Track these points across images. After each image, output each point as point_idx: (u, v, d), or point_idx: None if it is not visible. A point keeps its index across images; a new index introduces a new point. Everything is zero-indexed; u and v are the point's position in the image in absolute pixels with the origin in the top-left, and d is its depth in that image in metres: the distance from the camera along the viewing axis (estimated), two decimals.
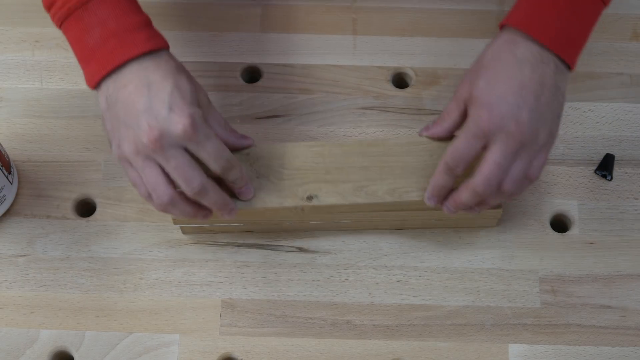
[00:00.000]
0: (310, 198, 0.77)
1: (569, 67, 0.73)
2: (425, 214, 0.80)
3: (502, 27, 0.74)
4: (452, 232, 0.84)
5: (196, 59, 0.92)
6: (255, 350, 0.79)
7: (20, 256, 0.83)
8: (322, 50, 0.93)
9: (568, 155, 0.87)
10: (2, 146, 0.83)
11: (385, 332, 0.80)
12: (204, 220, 0.76)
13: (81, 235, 0.84)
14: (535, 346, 0.79)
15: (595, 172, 0.87)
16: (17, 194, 0.85)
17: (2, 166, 0.81)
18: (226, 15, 0.95)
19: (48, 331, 0.80)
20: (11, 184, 0.83)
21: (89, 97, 0.88)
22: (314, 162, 0.79)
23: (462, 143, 0.71)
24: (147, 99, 0.69)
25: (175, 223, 0.81)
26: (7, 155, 0.83)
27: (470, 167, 0.72)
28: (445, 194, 0.75)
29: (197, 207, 0.73)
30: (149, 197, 0.72)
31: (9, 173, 0.83)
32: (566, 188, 0.86)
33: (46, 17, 0.93)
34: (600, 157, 0.87)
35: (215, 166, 0.71)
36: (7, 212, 0.84)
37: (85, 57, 0.72)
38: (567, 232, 0.84)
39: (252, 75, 0.92)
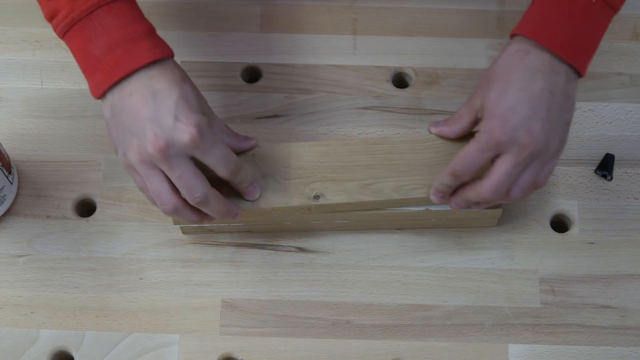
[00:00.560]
0: (317, 197, 0.77)
1: (580, 73, 0.73)
2: (425, 214, 0.80)
3: (512, 36, 0.75)
4: (452, 232, 0.84)
5: (196, 59, 0.92)
6: (255, 350, 0.79)
7: (20, 256, 0.83)
8: (322, 50, 0.93)
9: (568, 155, 0.87)
10: (2, 146, 0.83)
11: (385, 332, 0.80)
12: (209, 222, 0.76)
13: (81, 235, 0.84)
14: (535, 346, 0.79)
15: (595, 172, 0.87)
16: (17, 194, 0.85)
17: (2, 166, 0.81)
18: (226, 15, 0.95)
19: (48, 331, 0.80)
20: (11, 184, 0.83)
21: (89, 97, 0.87)
22: (319, 162, 0.79)
23: (473, 153, 0.72)
24: (153, 107, 0.69)
25: (175, 223, 0.81)
26: (7, 155, 0.83)
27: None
28: (450, 192, 0.76)
29: (201, 214, 0.74)
30: (155, 203, 0.73)
31: (9, 173, 0.83)
32: (566, 188, 0.86)
33: None
34: (600, 157, 0.87)
35: (223, 172, 0.72)
36: (7, 212, 0.84)
37: (89, 67, 0.72)
38: (567, 232, 0.84)
39: (252, 75, 0.92)
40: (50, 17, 0.73)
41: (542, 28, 0.72)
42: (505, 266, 0.83)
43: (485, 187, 0.72)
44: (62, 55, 0.92)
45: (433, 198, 0.77)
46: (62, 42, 0.91)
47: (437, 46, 0.93)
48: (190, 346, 0.79)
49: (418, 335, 0.80)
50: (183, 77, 0.72)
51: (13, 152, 0.86)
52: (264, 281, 0.82)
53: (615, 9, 0.74)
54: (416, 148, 0.79)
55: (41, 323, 0.80)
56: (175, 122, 0.68)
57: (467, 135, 0.78)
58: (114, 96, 0.71)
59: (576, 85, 0.74)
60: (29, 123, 0.89)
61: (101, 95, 0.72)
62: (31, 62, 0.92)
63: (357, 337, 0.80)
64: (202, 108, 0.72)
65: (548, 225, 0.84)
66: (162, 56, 0.72)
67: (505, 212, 0.84)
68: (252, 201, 0.77)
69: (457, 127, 0.77)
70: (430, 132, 0.80)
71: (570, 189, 0.86)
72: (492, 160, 0.72)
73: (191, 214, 0.73)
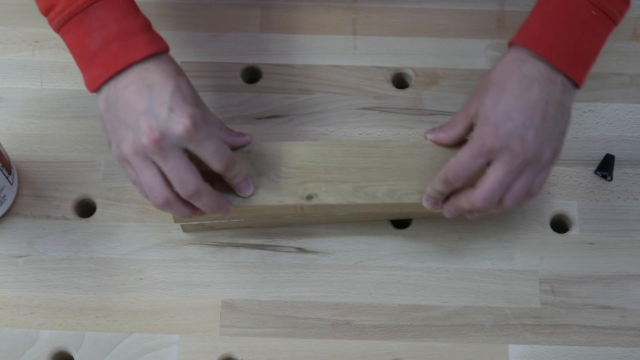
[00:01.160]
0: (309, 197, 0.77)
1: (577, 85, 0.73)
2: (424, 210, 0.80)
3: (510, 45, 0.74)
4: (452, 233, 0.84)
5: (196, 59, 0.92)
6: (255, 351, 0.79)
7: (20, 256, 0.83)
8: (322, 50, 0.93)
9: (568, 156, 0.87)
10: (2, 146, 0.83)
11: (385, 332, 0.80)
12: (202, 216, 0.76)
13: (81, 235, 0.84)
14: (535, 346, 0.79)
15: (595, 172, 0.87)
16: (17, 195, 0.85)
17: (2, 166, 0.81)
18: (226, 15, 0.95)
19: (48, 331, 0.80)
20: (11, 184, 0.83)
21: (89, 97, 0.88)
22: (315, 161, 0.79)
23: (465, 158, 0.72)
24: (148, 100, 0.69)
25: (175, 221, 0.81)
26: (7, 155, 0.83)
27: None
28: (443, 199, 0.76)
29: (193, 208, 0.74)
30: (147, 196, 0.73)
31: (9, 173, 0.83)
32: (566, 188, 0.86)
33: None
34: (600, 157, 0.87)
35: (216, 164, 0.72)
36: (7, 213, 0.84)
37: (86, 60, 0.72)
38: (567, 233, 0.84)
39: (252, 75, 0.92)
40: (46, 11, 0.73)
41: (540, 38, 0.72)
42: (505, 266, 0.83)
43: (478, 195, 0.72)
44: (62, 55, 0.92)
45: (425, 204, 0.76)
46: (62, 43, 0.92)
47: (437, 46, 0.93)
48: (190, 346, 0.79)
49: (418, 336, 0.80)
50: (178, 71, 0.72)
51: (13, 152, 0.86)
52: (264, 281, 0.82)
53: (615, 22, 0.73)
54: (412, 153, 0.79)
55: (41, 323, 0.80)
56: (169, 114, 0.69)
57: (463, 142, 0.78)
58: (109, 89, 0.71)
59: (573, 97, 0.73)
60: (29, 123, 0.89)
61: (97, 88, 0.72)
62: (31, 63, 0.92)
63: (357, 338, 0.80)
64: (196, 101, 0.72)
65: (548, 225, 0.84)
66: (158, 50, 0.72)
67: (505, 212, 0.84)
68: (245, 198, 0.77)
69: (452, 132, 0.77)
70: (426, 139, 0.80)
71: (570, 189, 0.86)
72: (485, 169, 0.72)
73: (183, 208, 0.73)
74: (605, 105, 0.90)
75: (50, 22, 0.73)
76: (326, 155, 0.79)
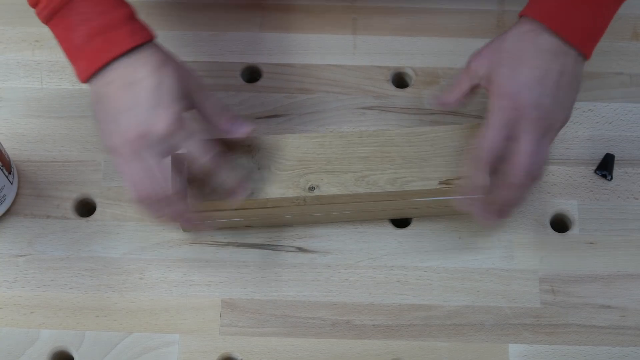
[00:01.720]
0: (312, 189, 0.77)
1: (585, 57, 0.75)
2: (425, 204, 0.80)
3: (521, 16, 0.75)
4: (452, 232, 0.84)
5: (196, 59, 0.92)
6: (255, 350, 0.79)
7: (20, 256, 0.83)
8: (322, 50, 0.93)
9: (568, 155, 0.87)
10: (2, 146, 0.83)
11: (385, 332, 0.80)
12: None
13: (81, 235, 0.84)
14: (535, 346, 0.79)
15: (595, 172, 0.87)
16: (17, 194, 0.85)
17: (2, 166, 0.81)
18: (226, 15, 0.95)
19: (48, 331, 0.80)
20: (11, 184, 0.83)
21: (89, 97, 0.88)
22: (315, 153, 0.79)
23: (492, 133, 0.72)
24: (129, 97, 0.70)
25: None
26: (7, 155, 0.83)
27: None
28: (484, 193, 0.75)
29: (162, 211, 0.75)
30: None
31: (9, 173, 0.83)
32: (566, 188, 0.86)
33: None
34: (600, 157, 0.87)
35: (198, 165, 0.72)
36: (7, 212, 0.84)
37: (73, 54, 0.73)
38: (567, 232, 0.84)
39: (252, 75, 0.92)
40: (33, 4, 0.73)
41: (555, 14, 0.73)
42: (505, 266, 0.83)
43: (517, 173, 0.72)
44: (62, 55, 0.91)
45: (472, 211, 0.76)
46: None
47: (437, 46, 0.93)
48: (190, 346, 0.79)
49: (418, 335, 0.80)
50: (163, 62, 0.72)
51: (13, 152, 0.86)
52: (264, 281, 0.82)
53: None
54: (411, 140, 0.79)
55: (41, 323, 0.80)
56: (150, 111, 0.69)
57: (464, 129, 0.79)
58: (97, 82, 0.72)
59: (582, 67, 0.75)
60: (29, 123, 0.89)
61: (86, 81, 0.73)
62: (31, 62, 0.92)
63: (357, 337, 0.80)
64: (184, 92, 0.72)
65: (548, 225, 0.84)
66: (141, 41, 0.72)
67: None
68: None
69: (457, 92, 0.77)
70: (430, 106, 0.80)
71: (570, 189, 0.86)
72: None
73: (154, 209, 0.74)
74: (605, 105, 0.90)
75: (38, 15, 0.73)
76: (326, 146, 0.79)
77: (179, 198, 0.74)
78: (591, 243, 0.84)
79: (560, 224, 0.85)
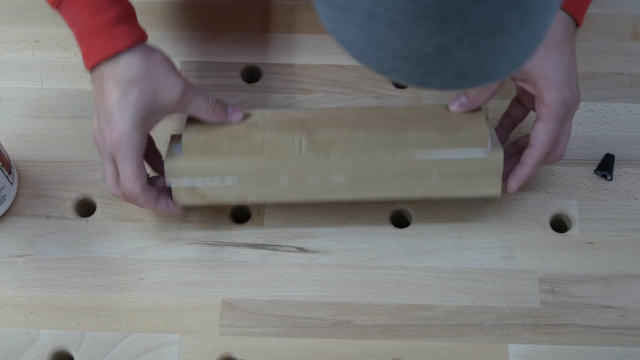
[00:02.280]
0: (309, 134, 0.77)
1: (578, 23, 0.78)
2: (426, 167, 0.77)
3: None
4: (452, 232, 0.84)
5: (196, 59, 0.92)
6: (255, 350, 0.79)
7: (20, 256, 0.83)
8: (322, 50, 0.93)
9: (568, 155, 0.87)
10: (2, 146, 0.83)
11: (385, 332, 0.80)
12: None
13: (81, 235, 0.84)
14: (535, 346, 0.79)
15: (595, 172, 0.87)
16: (17, 194, 0.85)
17: (2, 166, 0.81)
18: (226, 15, 0.95)
19: (48, 331, 0.80)
20: (11, 184, 0.83)
21: (89, 97, 0.88)
22: (313, 113, 0.81)
23: (555, 129, 0.76)
24: (98, 104, 0.74)
25: (167, 184, 0.79)
26: (7, 155, 0.83)
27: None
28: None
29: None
30: None
31: (9, 173, 0.83)
32: (566, 188, 0.86)
33: (46, 17, 0.94)
34: (600, 157, 0.87)
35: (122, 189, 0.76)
36: (7, 212, 0.84)
37: (79, 42, 0.76)
38: (567, 232, 0.84)
39: (252, 75, 0.92)
40: None
41: None
42: (505, 266, 0.83)
43: (559, 153, 0.78)
44: (62, 55, 0.92)
45: (512, 190, 0.80)
46: (62, 42, 0.92)
47: None
48: (190, 346, 0.79)
49: (418, 335, 0.80)
50: (130, 79, 0.73)
51: (13, 152, 0.86)
52: (264, 281, 0.82)
53: None
54: (410, 109, 0.83)
55: (41, 323, 0.80)
56: (101, 125, 0.74)
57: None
58: (93, 74, 0.76)
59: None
60: (29, 123, 0.89)
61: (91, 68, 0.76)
62: (31, 62, 0.92)
63: (357, 337, 0.80)
64: (144, 110, 0.74)
65: (548, 225, 0.84)
66: (114, 52, 0.73)
67: (505, 212, 0.84)
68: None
69: (488, 92, 0.77)
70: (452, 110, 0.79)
71: (570, 189, 0.86)
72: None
73: (126, 200, 0.78)
74: (605, 105, 0.90)
75: (47, 2, 0.75)
76: (324, 112, 0.82)
77: (149, 194, 0.76)
78: (591, 243, 0.84)
79: (560, 224, 0.85)
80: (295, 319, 0.81)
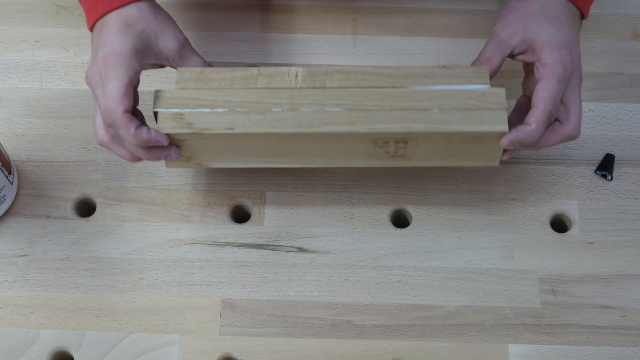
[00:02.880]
0: (305, 67, 0.76)
1: (583, 16, 0.79)
2: (426, 99, 0.74)
3: None
4: (452, 232, 0.84)
5: None
6: (255, 350, 0.79)
7: (20, 256, 0.83)
8: (322, 50, 0.93)
9: (568, 155, 0.87)
10: (2, 146, 0.83)
11: (385, 332, 0.80)
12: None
13: (81, 235, 0.84)
14: (535, 346, 0.79)
15: (595, 172, 0.87)
16: (17, 194, 0.85)
17: (2, 166, 0.81)
18: (226, 15, 0.95)
19: (48, 331, 0.80)
20: (11, 184, 0.83)
21: (89, 97, 0.88)
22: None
23: (557, 88, 0.74)
24: (97, 45, 0.75)
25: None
26: (7, 155, 0.83)
27: None
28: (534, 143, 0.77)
29: (129, 152, 0.76)
30: None
31: (9, 173, 0.83)
32: (566, 188, 0.86)
33: (46, 17, 0.93)
34: (600, 157, 0.87)
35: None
36: (7, 212, 0.84)
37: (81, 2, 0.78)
38: (567, 232, 0.84)
39: None
40: None
41: None
42: (505, 266, 0.83)
43: (574, 125, 0.75)
44: (62, 55, 0.92)
45: (509, 146, 0.74)
46: (61, 42, 0.92)
47: (437, 46, 0.93)
48: (190, 346, 0.79)
49: (418, 335, 0.80)
50: (135, 19, 0.74)
51: (13, 152, 0.86)
52: (264, 281, 0.82)
53: None
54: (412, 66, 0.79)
55: (41, 323, 0.80)
56: (100, 57, 0.73)
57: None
58: (94, 30, 0.77)
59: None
60: (29, 123, 0.89)
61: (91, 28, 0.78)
62: (31, 62, 0.92)
63: (357, 337, 0.80)
64: (142, 46, 0.74)
65: (548, 225, 0.84)
66: (100, 15, 0.75)
67: (505, 212, 0.84)
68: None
69: (491, 70, 0.77)
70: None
71: (570, 189, 0.86)
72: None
73: (118, 151, 0.76)
74: (605, 105, 0.90)
75: None
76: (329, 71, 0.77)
77: (130, 120, 0.73)
78: (591, 243, 0.84)
79: (560, 224, 0.85)
80: (295, 319, 0.81)
